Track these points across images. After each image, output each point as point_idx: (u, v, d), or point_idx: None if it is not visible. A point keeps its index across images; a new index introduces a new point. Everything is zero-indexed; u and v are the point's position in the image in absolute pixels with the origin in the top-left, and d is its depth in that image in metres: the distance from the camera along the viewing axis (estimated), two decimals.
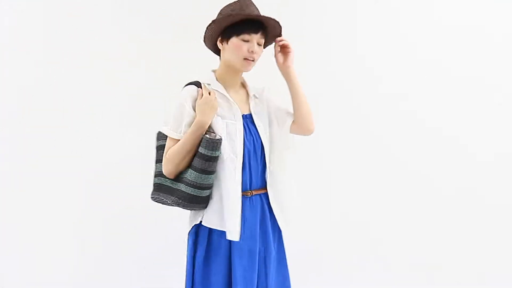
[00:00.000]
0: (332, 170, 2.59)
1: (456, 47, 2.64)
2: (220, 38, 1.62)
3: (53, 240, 2.60)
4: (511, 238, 2.66)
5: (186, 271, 1.64)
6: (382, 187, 2.65)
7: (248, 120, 1.65)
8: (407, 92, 2.65)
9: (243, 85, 1.74)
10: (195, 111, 1.58)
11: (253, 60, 1.59)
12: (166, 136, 1.62)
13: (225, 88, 1.66)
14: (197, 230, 1.63)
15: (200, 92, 1.60)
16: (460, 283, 2.63)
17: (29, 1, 2.58)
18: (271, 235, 1.65)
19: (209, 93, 1.60)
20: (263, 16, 1.56)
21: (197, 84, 1.63)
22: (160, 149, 1.67)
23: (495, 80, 2.64)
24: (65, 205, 2.60)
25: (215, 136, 1.56)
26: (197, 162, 1.54)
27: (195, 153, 1.56)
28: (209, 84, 1.65)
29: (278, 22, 1.59)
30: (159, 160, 1.67)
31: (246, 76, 1.73)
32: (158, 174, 1.65)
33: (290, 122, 1.68)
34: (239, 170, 1.57)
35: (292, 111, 1.72)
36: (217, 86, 1.65)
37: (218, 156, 1.55)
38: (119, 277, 2.61)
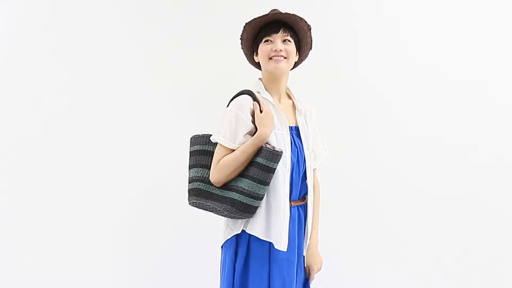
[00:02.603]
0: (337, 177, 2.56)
1: (456, 58, 2.65)
2: (255, 54, 1.67)
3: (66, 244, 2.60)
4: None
5: (225, 280, 1.62)
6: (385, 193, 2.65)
7: (293, 132, 1.65)
8: (410, 102, 2.66)
9: (289, 96, 1.74)
10: (253, 123, 1.58)
11: (283, 58, 1.59)
12: (202, 141, 1.63)
13: (271, 96, 1.66)
14: (237, 239, 1.62)
15: (256, 105, 1.59)
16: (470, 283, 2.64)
17: (38, 9, 2.60)
18: (303, 246, 1.67)
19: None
20: (272, 14, 1.58)
21: (251, 94, 1.62)
22: (194, 154, 1.66)
23: (495, 90, 2.64)
24: (68, 207, 2.60)
25: (274, 147, 1.55)
26: (255, 172, 1.53)
27: (250, 163, 1.56)
28: (258, 92, 1.65)
29: (294, 15, 1.59)
30: (194, 165, 1.65)
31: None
32: (196, 179, 1.62)
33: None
34: (287, 181, 1.58)
35: (319, 156, 1.77)
36: (266, 95, 1.65)
37: (275, 169, 1.54)
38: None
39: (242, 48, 1.71)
